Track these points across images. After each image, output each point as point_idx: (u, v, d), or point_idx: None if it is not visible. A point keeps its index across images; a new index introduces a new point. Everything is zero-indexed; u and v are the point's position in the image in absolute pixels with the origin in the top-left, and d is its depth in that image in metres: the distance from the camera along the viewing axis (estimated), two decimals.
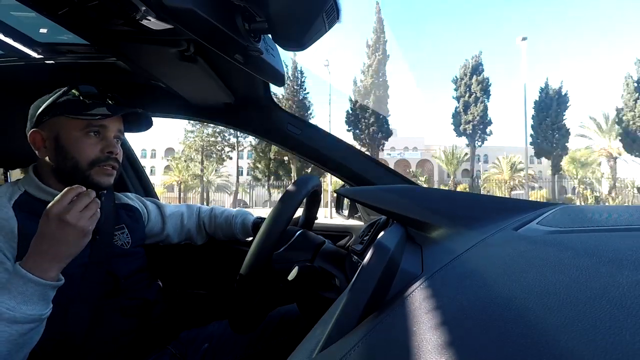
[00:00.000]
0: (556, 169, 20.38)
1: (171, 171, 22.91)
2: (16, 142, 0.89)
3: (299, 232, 0.77)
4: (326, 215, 13.60)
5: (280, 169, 20.68)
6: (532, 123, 20.13)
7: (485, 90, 20.10)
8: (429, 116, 58.45)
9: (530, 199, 10.58)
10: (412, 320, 0.28)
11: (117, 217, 0.85)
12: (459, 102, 20.52)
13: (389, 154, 28.52)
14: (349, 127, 19.78)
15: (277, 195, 21.11)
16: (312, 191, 0.72)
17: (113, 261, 0.78)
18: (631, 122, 17.07)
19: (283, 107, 1.11)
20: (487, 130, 20.37)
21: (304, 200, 0.82)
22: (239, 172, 24.06)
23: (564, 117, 19.74)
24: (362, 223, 1.15)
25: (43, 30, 0.73)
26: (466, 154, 21.75)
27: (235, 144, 21.79)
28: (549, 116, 19.66)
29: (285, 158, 20.06)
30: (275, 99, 1.07)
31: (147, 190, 1.41)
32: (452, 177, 22.49)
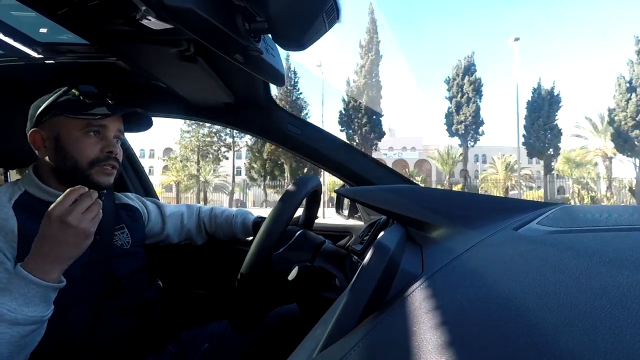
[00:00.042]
0: (548, 169, 20.34)
1: (169, 171, 22.89)
2: (16, 142, 0.89)
3: (299, 232, 0.77)
4: (318, 215, 13.61)
5: (275, 169, 20.64)
6: (525, 123, 20.07)
7: (478, 91, 20.00)
8: (428, 116, 58.44)
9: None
10: (412, 320, 0.28)
11: (117, 217, 0.85)
12: (451, 103, 20.45)
13: (387, 154, 28.36)
14: (342, 127, 19.73)
15: (272, 195, 21.10)
16: (312, 191, 0.72)
17: (113, 261, 0.78)
18: (623, 123, 16.89)
19: None
20: (480, 131, 20.30)
21: (304, 200, 0.82)
22: (236, 172, 24.02)
23: (556, 118, 19.68)
24: (362, 223, 1.15)
25: (43, 30, 0.73)
26: (461, 154, 21.72)
27: (232, 144, 21.74)
28: (541, 116, 19.55)
29: (280, 159, 20.04)
30: None
31: (147, 190, 1.41)
32: (447, 178, 22.44)
